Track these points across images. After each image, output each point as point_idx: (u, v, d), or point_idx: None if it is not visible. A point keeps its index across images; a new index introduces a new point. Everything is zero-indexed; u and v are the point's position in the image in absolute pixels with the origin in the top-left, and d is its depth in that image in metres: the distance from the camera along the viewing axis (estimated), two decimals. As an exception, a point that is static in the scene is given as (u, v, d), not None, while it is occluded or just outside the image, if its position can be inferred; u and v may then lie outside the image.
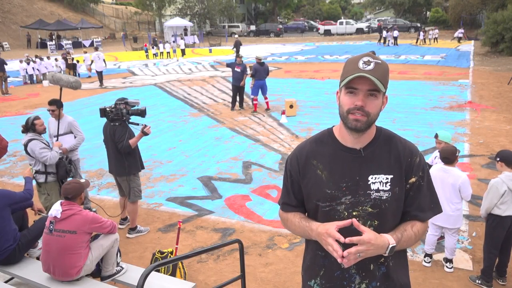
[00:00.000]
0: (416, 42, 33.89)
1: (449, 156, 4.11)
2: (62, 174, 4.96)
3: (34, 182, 4.55)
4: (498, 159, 3.94)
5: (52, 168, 4.91)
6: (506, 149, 4.11)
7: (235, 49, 26.16)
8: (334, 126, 1.84)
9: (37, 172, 4.91)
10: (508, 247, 4.00)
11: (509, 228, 3.89)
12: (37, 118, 4.96)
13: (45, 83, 18.76)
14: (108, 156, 5.23)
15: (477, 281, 4.04)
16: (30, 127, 4.87)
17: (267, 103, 12.07)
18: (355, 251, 1.56)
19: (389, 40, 33.50)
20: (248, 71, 12.27)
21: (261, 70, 11.78)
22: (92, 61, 19.73)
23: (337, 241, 1.62)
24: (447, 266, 4.28)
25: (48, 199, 4.89)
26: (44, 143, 4.88)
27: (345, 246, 1.72)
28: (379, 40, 35.40)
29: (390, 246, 1.62)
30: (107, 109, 4.98)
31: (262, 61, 11.92)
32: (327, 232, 1.63)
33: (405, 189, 1.74)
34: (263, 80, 11.81)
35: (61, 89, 5.50)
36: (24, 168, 7.88)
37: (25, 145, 4.82)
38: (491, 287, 3.98)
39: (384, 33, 33.90)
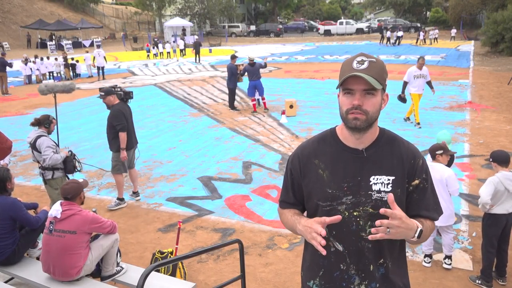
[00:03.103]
0: (416, 42, 33.87)
1: (430, 152, 4.24)
2: (70, 168, 5.08)
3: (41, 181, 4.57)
4: (491, 159, 4.04)
5: (59, 164, 4.99)
6: (498, 149, 4.18)
7: (194, 50, 26.38)
8: (337, 126, 1.85)
9: (45, 168, 4.96)
10: (505, 246, 4.03)
11: (505, 226, 3.93)
12: (52, 117, 5.10)
13: (45, 83, 18.75)
14: (129, 132, 5.94)
15: (477, 281, 4.05)
16: (46, 122, 4.99)
17: (264, 103, 12.03)
18: (387, 223, 1.51)
19: (392, 39, 33.49)
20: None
21: (252, 71, 11.71)
22: (94, 58, 20.19)
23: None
24: (445, 263, 4.29)
25: None
26: (52, 143, 4.93)
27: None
28: (381, 41, 35.39)
29: (419, 229, 1.60)
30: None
31: (254, 61, 11.82)
32: (311, 227, 1.62)
33: (408, 191, 1.74)
34: (256, 80, 11.73)
35: (55, 96, 5.64)
36: (25, 169, 7.88)
37: (34, 141, 4.86)
38: (491, 287, 3.99)
39: (388, 33, 33.71)
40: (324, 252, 1.57)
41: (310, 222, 1.64)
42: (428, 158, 4.32)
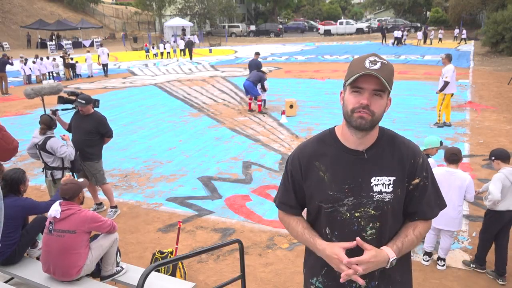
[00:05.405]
0: (424, 42, 33.74)
1: (457, 154, 4.18)
2: (78, 167, 5.19)
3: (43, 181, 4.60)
4: (493, 158, 4.08)
5: (68, 163, 5.08)
6: (498, 148, 4.22)
7: (187, 49, 27.40)
8: (336, 126, 1.83)
9: (54, 168, 5.00)
10: (505, 243, 4.05)
11: (507, 222, 3.97)
12: (51, 115, 5.13)
13: (45, 83, 18.75)
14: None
15: (471, 265, 4.20)
16: (54, 123, 5.04)
17: (249, 103, 12.09)
18: (352, 273, 1.62)
19: (404, 39, 33.49)
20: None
21: (251, 71, 12.32)
22: (98, 56, 20.67)
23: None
24: (439, 264, 4.31)
25: None
26: (62, 142, 5.01)
27: (348, 250, 1.73)
28: (383, 40, 35.36)
29: (391, 260, 1.66)
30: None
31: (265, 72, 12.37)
32: (339, 258, 1.66)
33: (409, 189, 1.74)
34: (247, 81, 11.77)
35: (42, 99, 5.57)
36: (25, 169, 7.87)
37: (44, 143, 4.89)
38: (484, 270, 4.13)
39: (398, 33, 33.42)
40: (362, 281, 1.66)
41: (336, 251, 1.67)
42: (432, 163, 4.32)
